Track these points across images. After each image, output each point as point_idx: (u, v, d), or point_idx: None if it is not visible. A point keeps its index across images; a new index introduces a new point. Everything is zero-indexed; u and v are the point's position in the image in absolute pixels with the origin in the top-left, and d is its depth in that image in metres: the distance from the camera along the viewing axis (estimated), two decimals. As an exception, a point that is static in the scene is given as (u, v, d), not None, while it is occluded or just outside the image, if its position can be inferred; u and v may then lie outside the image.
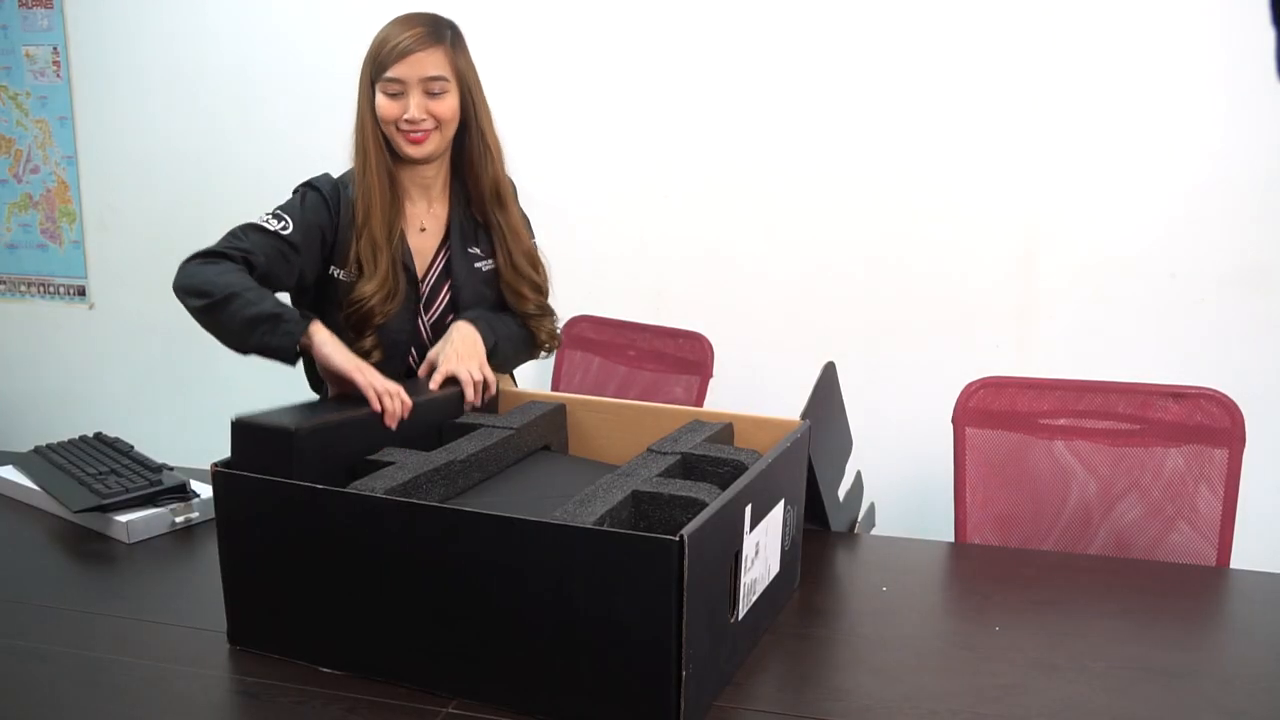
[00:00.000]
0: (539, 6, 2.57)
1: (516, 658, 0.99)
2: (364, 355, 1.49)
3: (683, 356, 2.25)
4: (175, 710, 1.03)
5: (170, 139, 2.95)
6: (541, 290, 1.69)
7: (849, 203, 2.43)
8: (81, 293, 3.17)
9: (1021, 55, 2.27)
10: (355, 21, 2.56)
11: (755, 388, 2.27)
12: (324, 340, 1.39)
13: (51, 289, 3.19)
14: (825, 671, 1.12)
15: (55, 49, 3.02)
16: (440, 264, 1.65)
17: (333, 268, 1.59)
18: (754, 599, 1.12)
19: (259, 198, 1.67)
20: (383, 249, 1.55)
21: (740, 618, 1.08)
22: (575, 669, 0.97)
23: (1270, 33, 0.66)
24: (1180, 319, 2.26)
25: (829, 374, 1.50)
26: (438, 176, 1.64)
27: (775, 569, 1.19)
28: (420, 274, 1.64)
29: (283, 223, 1.54)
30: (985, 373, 1.77)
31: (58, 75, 3.04)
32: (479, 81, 1.60)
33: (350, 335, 1.54)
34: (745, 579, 1.08)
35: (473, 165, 1.62)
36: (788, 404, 1.43)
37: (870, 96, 2.37)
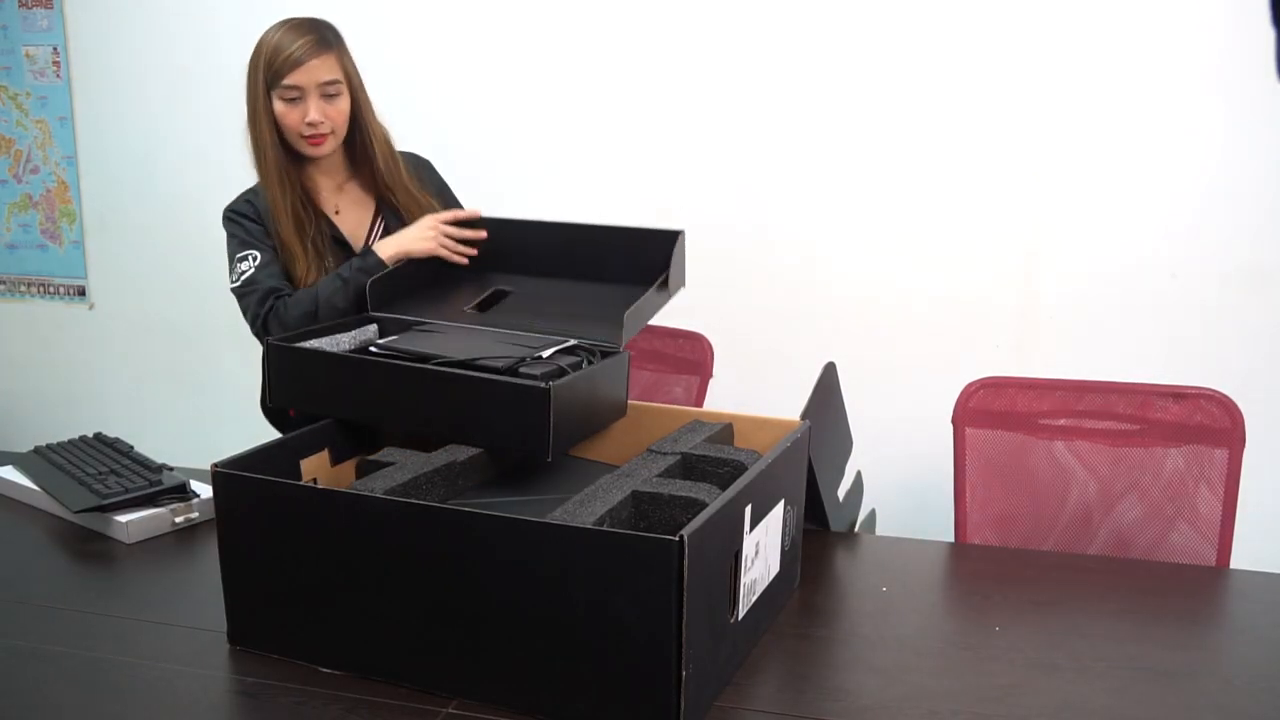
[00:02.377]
0: (539, 7, 2.57)
1: (516, 658, 0.99)
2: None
3: (683, 356, 2.24)
4: (175, 710, 1.03)
5: (170, 139, 2.95)
6: None
7: (849, 203, 2.43)
8: (81, 293, 3.17)
9: (1021, 56, 2.27)
10: (355, 22, 2.55)
11: (755, 388, 2.27)
12: (384, 245, 1.62)
13: (51, 289, 3.19)
14: (825, 671, 1.12)
15: (55, 49, 3.02)
16: (378, 233, 1.74)
17: None
18: (754, 599, 1.12)
19: (259, 198, 1.67)
20: (293, 241, 1.65)
21: (740, 618, 1.08)
22: (575, 669, 0.97)
23: (1270, 33, 0.66)
24: (1180, 319, 2.26)
25: (829, 374, 1.50)
26: (335, 160, 1.73)
27: (775, 569, 1.19)
28: (359, 247, 1.72)
29: (251, 257, 1.65)
30: (985, 373, 1.77)
31: (58, 75, 3.04)
32: (360, 77, 1.69)
33: None
34: (745, 579, 1.08)
35: (366, 157, 1.72)
36: (788, 404, 1.43)
37: (871, 97, 2.37)
